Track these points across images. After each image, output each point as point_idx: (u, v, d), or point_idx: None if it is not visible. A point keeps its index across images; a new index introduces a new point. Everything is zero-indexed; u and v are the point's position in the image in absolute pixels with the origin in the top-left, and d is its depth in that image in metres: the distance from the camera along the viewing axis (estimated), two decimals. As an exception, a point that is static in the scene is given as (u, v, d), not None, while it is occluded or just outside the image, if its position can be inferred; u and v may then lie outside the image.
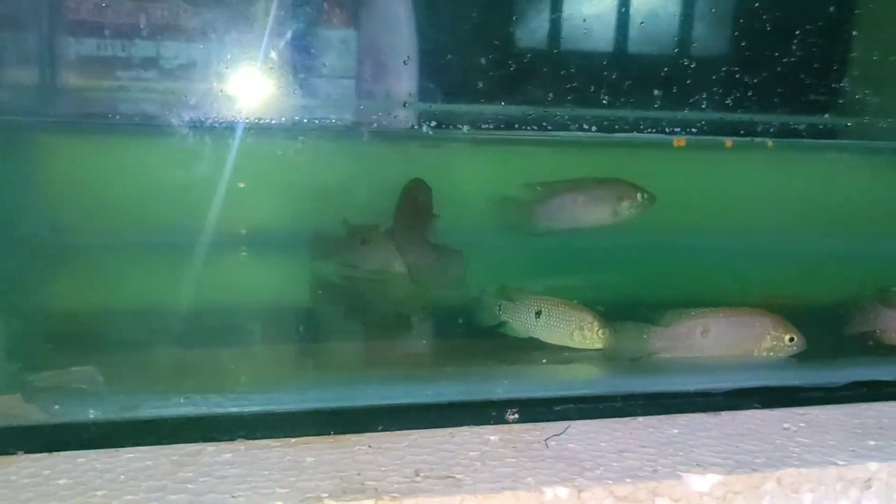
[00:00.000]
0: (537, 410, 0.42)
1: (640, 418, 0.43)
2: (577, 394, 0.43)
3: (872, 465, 0.39)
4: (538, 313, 0.50)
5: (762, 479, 0.38)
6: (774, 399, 0.45)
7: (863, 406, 0.46)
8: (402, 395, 0.41)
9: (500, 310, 0.50)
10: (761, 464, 0.38)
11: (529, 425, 0.42)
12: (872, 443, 0.41)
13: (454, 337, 0.48)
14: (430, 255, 0.53)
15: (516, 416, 0.41)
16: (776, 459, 0.39)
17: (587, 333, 0.49)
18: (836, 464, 0.39)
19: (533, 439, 0.40)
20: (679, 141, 0.44)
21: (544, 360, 0.46)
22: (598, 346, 0.50)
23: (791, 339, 0.52)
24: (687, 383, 0.45)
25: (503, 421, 0.42)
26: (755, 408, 0.45)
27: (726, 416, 0.44)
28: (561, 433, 0.41)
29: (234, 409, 0.39)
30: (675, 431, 0.42)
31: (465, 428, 0.41)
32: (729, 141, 0.49)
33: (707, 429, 0.42)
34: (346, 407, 0.40)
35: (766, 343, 0.52)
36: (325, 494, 0.34)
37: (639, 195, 0.55)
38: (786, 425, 0.43)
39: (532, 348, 0.47)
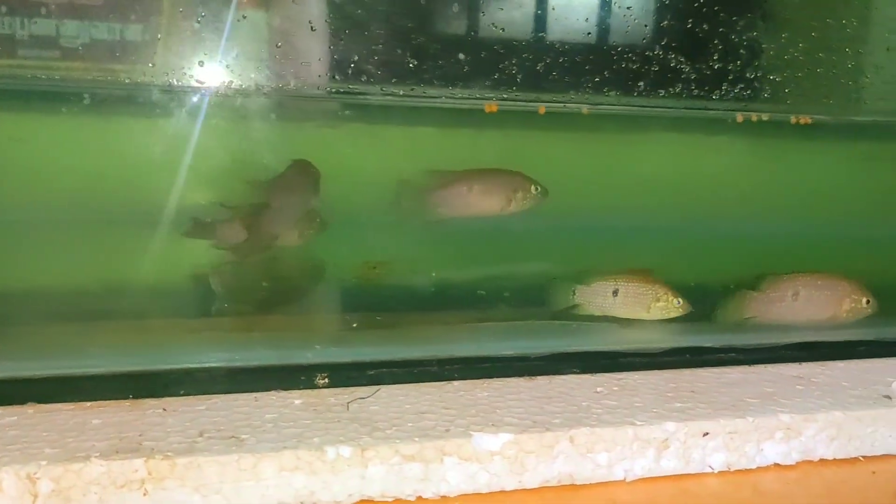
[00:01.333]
0: (349, 375, 0.42)
1: (456, 382, 0.43)
2: (391, 358, 0.43)
3: (670, 426, 0.39)
4: (615, 292, 0.52)
5: (555, 438, 0.38)
6: (594, 364, 0.45)
7: (685, 372, 0.47)
8: (206, 360, 0.41)
9: (574, 294, 0.52)
10: (557, 424, 0.39)
11: (339, 390, 0.41)
12: (679, 405, 0.42)
13: (281, 304, 0.48)
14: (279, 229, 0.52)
15: (326, 380, 0.41)
16: (573, 420, 0.39)
17: (665, 304, 0.51)
18: (633, 424, 0.39)
19: (337, 402, 0.40)
20: (490, 106, 0.44)
21: (354, 325, 0.46)
22: (676, 314, 0.52)
23: (867, 302, 0.55)
24: (505, 348, 0.45)
25: (313, 385, 0.41)
26: (574, 372, 0.45)
27: (542, 381, 0.44)
28: (368, 396, 0.40)
29: (26, 374, 0.39)
30: (486, 394, 0.42)
31: (272, 392, 0.41)
32: (542, 107, 0.49)
33: (518, 392, 0.43)
34: (145, 371, 0.40)
35: (845, 305, 0.55)
36: (96, 454, 0.33)
37: (532, 187, 0.55)
38: (599, 389, 0.44)
39: (350, 314, 0.47)
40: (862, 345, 0.51)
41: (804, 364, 0.49)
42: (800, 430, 0.42)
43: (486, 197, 0.55)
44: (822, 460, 0.43)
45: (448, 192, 0.55)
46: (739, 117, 0.53)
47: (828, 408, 0.42)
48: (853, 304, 0.55)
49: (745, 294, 0.54)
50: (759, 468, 0.42)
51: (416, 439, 0.36)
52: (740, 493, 0.40)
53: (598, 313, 0.53)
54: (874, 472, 0.42)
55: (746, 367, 0.48)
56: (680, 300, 0.52)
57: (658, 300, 0.52)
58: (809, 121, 0.57)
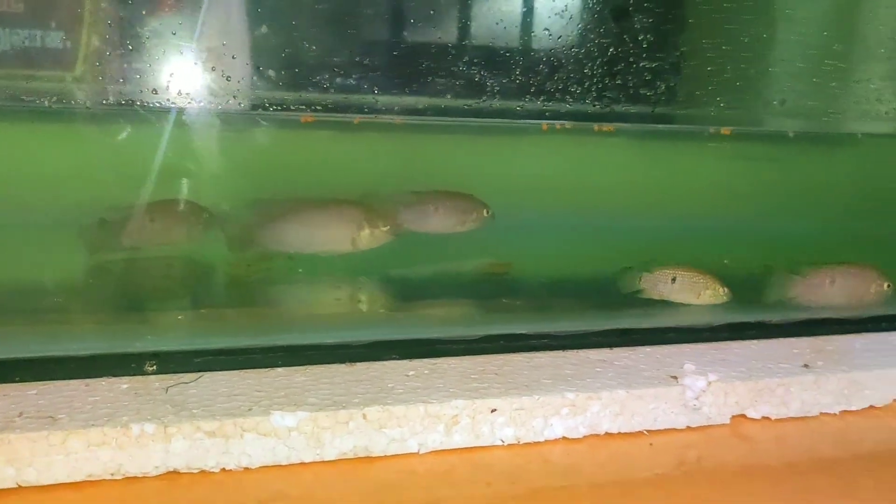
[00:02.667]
0: (177, 362, 0.46)
1: (280, 369, 0.48)
2: (216, 347, 0.47)
3: (459, 403, 0.44)
4: (673, 279, 0.59)
5: (349, 415, 0.43)
6: (413, 351, 0.50)
7: (500, 357, 0.52)
8: (42, 350, 0.45)
9: (640, 280, 0.59)
10: (355, 402, 0.43)
11: (167, 376, 0.46)
12: (475, 385, 0.47)
13: (118, 299, 0.52)
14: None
15: (154, 367, 0.45)
16: (371, 399, 0.44)
17: (713, 292, 0.60)
18: (426, 402, 0.44)
19: (160, 387, 0.44)
20: (307, 118, 0.48)
21: (180, 317, 0.50)
22: (722, 301, 0.60)
23: (888, 286, 0.63)
24: (327, 337, 0.50)
25: (142, 372, 0.46)
26: (393, 358, 0.50)
27: (362, 366, 0.49)
28: (190, 382, 0.45)
29: None
30: (303, 379, 0.47)
31: (103, 378, 0.45)
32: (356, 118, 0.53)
33: (334, 376, 0.47)
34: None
35: (872, 289, 0.63)
36: (-83, 433, 0.37)
37: (381, 224, 0.54)
38: (411, 372, 0.48)
39: (181, 307, 0.51)
40: (670, 332, 0.56)
41: (614, 349, 0.54)
42: (585, 407, 0.46)
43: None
44: (607, 434, 0.48)
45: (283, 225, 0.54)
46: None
47: (614, 387, 0.47)
48: (878, 289, 0.63)
49: (789, 278, 0.62)
50: (547, 441, 0.47)
51: (219, 417, 0.41)
52: (530, 463, 0.45)
53: (657, 298, 0.60)
54: (651, 444, 0.47)
55: (559, 351, 0.53)
56: (725, 289, 0.60)
57: (707, 288, 0.60)
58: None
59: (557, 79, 0.50)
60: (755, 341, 0.57)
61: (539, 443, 0.46)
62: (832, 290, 0.63)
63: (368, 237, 0.55)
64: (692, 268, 0.61)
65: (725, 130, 0.55)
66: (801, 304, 0.63)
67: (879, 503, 0.42)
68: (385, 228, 0.56)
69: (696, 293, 0.60)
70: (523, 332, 0.52)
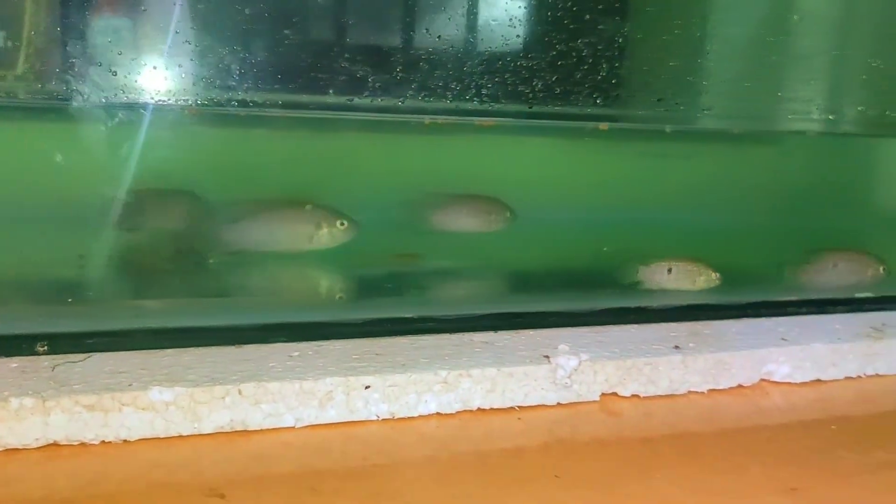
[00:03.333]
0: (70, 343, 0.48)
1: (170, 350, 0.50)
2: (105, 329, 0.50)
3: (333, 380, 0.47)
4: (669, 270, 0.65)
5: (225, 391, 0.45)
6: (303, 334, 0.53)
7: (385, 339, 0.54)
8: None
9: (637, 272, 0.64)
10: (232, 379, 0.46)
11: (58, 356, 0.48)
12: (353, 364, 0.49)
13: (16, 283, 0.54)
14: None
15: (46, 348, 0.48)
16: (248, 376, 0.46)
17: (706, 279, 0.66)
18: (301, 379, 0.47)
19: (48, 366, 0.47)
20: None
21: (70, 300, 0.53)
22: (714, 285, 0.66)
23: (884, 269, 0.72)
24: (217, 319, 0.53)
25: (33, 353, 0.48)
26: (281, 341, 0.52)
27: (250, 348, 0.52)
28: (78, 361, 0.47)
29: None
30: (189, 359, 0.49)
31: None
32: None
33: (218, 356, 0.50)
34: None
35: (870, 273, 0.72)
36: None
37: (338, 223, 0.58)
38: (295, 353, 0.51)
39: (77, 291, 0.54)
40: (553, 315, 0.59)
41: (499, 332, 0.57)
42: (457, 384, 0.49)
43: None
44: (479, 409, 0.51)
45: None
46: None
47: (486, 365, 0.50)
48: (875, 272, 0.72)
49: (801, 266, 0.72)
50: (421, 416, 0.49)
51: (98, 392, 0.43)
52: (404, 437, 0.48)
53: (655, 288, 0.66)
54: (520, 419, 0.50)
55: (445, 334, 0.56)
56: (718, 274, 0.66)
57: (701, 275, 0.66)
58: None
59: (437, 76, 0.53)
60: (636, 325, 0.60)
61: (413, 418, 0.49)
62: (835, 273, 0.72)
63: (327, 236, 0.59)
64: (684, 258, 0.67)
65: (603, 126, 0.59)
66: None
67: (732, 473, 0.45)
68: (343, 227, 0.59)
69: (692, 281, 0.67)
70: (409, 315, 0.55)
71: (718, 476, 0.44)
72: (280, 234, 0.61)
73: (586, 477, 0.43)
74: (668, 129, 0.61)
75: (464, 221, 0.65)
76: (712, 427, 0.52)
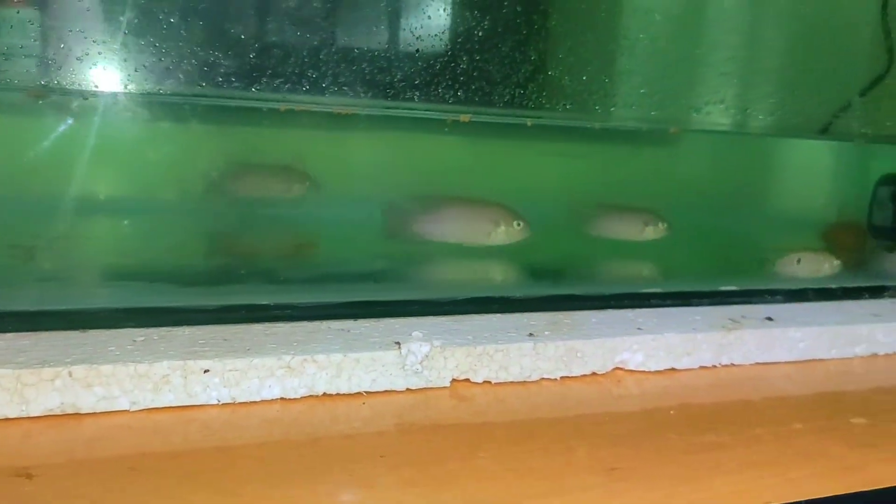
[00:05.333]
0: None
1: (9, 335, 0.50)
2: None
3: (169, 363, 0.47)
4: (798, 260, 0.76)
5: (54, 373, 0.45)
6: (153, 320, 0.52)
7: (239, 326, 0.55)
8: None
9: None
10: (65, 361, 0.46)
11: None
12: (195, 349, 0.49)
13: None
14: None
15: None
16: (80, 359, 0.46)
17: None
18: (136, 362, 0.47)
19: None
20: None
21: None
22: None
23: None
24: (62, 304, 0.52)
25: None
26: (131, 326, 0.52)
27: (95, 333, 0.51)
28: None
29: None
30: (26, 342, 0.49)
31: None
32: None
33: (57, 340, 0.49)
34: None
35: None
36: None
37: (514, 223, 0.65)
38: (140, 338, 0.51)
39: None
40: (413, 304, 0.59)
41: (358, 320, 0.57)
42: (302, 370, 0.50)
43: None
44: (325, 394, 0.51)
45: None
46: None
47: (332, 351, 0.51)
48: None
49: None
50: (264, 401, 0.50)
51: (-83, 374, 0.43)
52: (245, 421, 0.48)
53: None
54: (364, 403, 0.51)
55: (303, 321, 0.56)
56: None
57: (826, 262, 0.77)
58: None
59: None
60: (499, 315, 0.61)
61: (256, 402, 0.49)
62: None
63: (503, 234, 0.67)
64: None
65: (464, 118, 0.60)
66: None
67: (558, 455, 0.46)
68: (518, 227, 0.67)
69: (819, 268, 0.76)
70: (266, 302, 0.55)
71: (543, 456, 0.45)
72: (461, 229, 0.69)
73: (412, 456, 0.44)
74: (529, 122, 0.63)
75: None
76: (567, 412, 0.53)
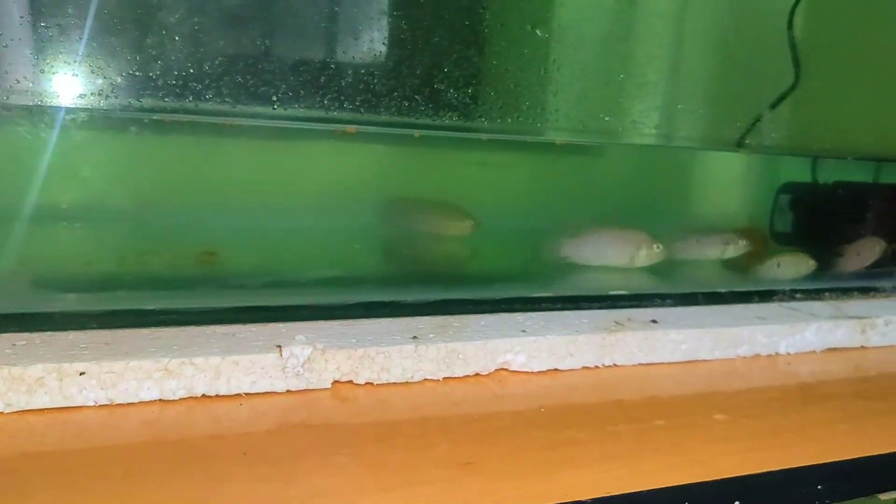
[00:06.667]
0: None
1: None
2: None
3: (43, 366, 0.48)
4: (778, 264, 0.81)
5: (-74, 376, 0.46)
6: (31, 325, 0.54)
7: (124, 331, 0.56)
8: None
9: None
10: (-63, 366, 0.47)
11: None
12: (74, 352, 0.51)
13: None
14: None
15: None
16: None
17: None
18: (10, 365, 0.48)
19: None
20: None
21: None
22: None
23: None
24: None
25: None
26: (12, 331, 0.53)
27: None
28: None
29: None
30: None
31: None
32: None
33: (-62, 345, 0.50)
34: None
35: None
36: None
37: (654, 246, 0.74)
38: (21, 342, 0.52)
39: None
40: (303, 309, 0.61)
41: (247, 325, 0.59)
42: (180, 372, 0.51)
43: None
44: (204, 396, 0.53)
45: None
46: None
47: (210, 354, 0.52)
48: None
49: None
50: (142, 402, 0.51)
51: None
52: (124, 422, 0.49)
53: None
54: (241, 405, 0.52)
55: (191, 326, 0.57)
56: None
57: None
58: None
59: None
60: (389, 319, 0.63)
61: (134, 404, 0.51)
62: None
63: (645, 256, 0.77)
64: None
65: (350, 129, 0.62)
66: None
67: (419, 450, 0.48)
68: (658, 250, 0.77)
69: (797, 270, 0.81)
70: (151, 308, 0.57)
71: (403, 452, 0.47)
72: (608, 251, 0.78)
73: (273, 454, 0.45)
74: (415, 134, 0.65)
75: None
76: (436, 411, 0.55)
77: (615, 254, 0.77)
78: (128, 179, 0.61)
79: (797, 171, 1.00)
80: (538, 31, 0.66)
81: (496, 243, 0.76)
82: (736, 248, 0.84)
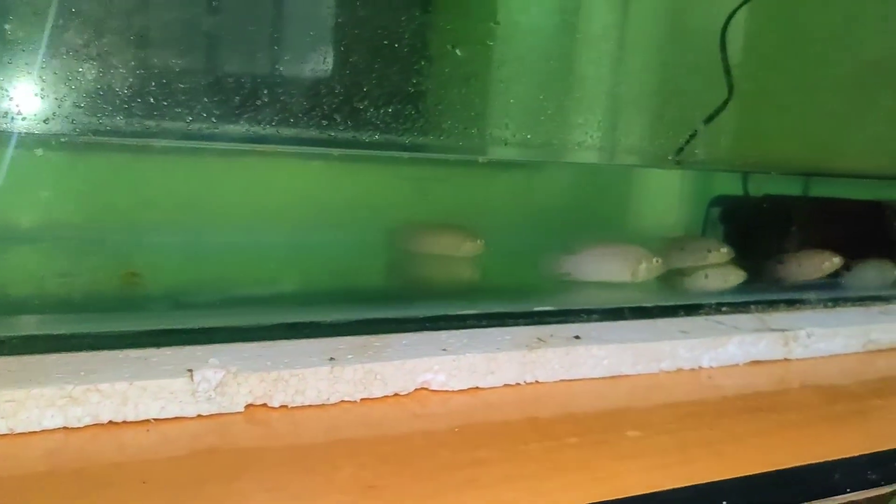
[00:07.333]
0: None
1: None
2: None
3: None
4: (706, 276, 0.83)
5: None
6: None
7: (32, 357, 0.55)
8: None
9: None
10: None
11: None
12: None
13: None
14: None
15: None
16: None
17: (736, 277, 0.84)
18: None
19: None
20: None
21: None
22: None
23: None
24: None
25: None
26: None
27: None
28: None
29: None
30: None
31: None
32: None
33: None
34: None
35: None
36: None
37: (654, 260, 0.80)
38: None
39: None
40: (223, 330, 0.61)
41: (161, 348, 0.58)
42: (85, 399, 0.51)
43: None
44: (110, 422, 0.52)
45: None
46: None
47: (115, 379, 0.52)
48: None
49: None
50: (45, 430, 0.50)
51: None
52: (26, 451, 0.49)
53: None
54: (147, 431, 0.52)
55: (102, 350, 0.57)
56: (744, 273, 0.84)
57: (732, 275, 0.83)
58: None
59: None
60: (309, 339, 0.63)
61: (36, 432, 0.50)
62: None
63: (645, 271, 0.79)
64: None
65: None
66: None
67: (322, 474, 0.48)
68: (657, 264, 0.80)
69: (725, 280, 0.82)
70: (63, 332, 0.56)
71: (308, 476, 0.47)
72: (608, 267, 0.81)
73: (173, 481, 0.45)
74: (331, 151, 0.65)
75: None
76: (367, 433, 0.55)
77: (617, 269, 0.80)
78: (46, 199, 0.61)
79: (728, 185, 1.02)
80: (458, 51, 0.66)
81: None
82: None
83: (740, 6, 0.94)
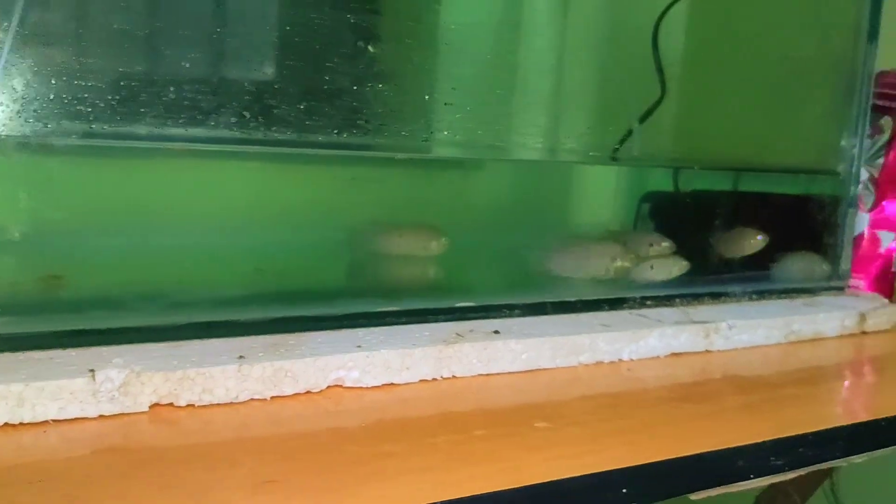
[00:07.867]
0: None
1: None
2: None
3: None
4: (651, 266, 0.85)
5: None
6: None
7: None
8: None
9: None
10: None
11: None
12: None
13: None
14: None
15: None
16: None
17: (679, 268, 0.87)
18: None
19: None
20: None
21: None
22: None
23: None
24: None
25: None
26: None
27: None
28: None
29: None
30: None
31: None
32: None
33: None
34: None
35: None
36: None
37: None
38: None
39: None
40: (132, 331, 0.60)
41: (67, 349, 0.57)
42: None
43: None
44: (7, 424, 0.51)
45: None
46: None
47: (14, 381, 0.51)
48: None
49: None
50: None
51: None
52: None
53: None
54: (45, 432, 0.51)
55: (8, 353, 0.56)
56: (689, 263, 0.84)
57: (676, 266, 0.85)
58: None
59: None
60: (221, 339, 0.62)
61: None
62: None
63: (620, 268, 0.82)
64: None
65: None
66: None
67: (221, 470, 0.47)
68: (632, 259, 0.83)
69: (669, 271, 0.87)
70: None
71: (205, 473, 0.46)
72: (584, 264, 0.83)
73: (68, 479, 0.44)
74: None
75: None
76: (278, 430, 0.54)
77: (594, 265, 0.83)
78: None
79: (659, 182, 1.03)
80: (370, 48, 0.66)
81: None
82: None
83: (670, 6, 0.96)
